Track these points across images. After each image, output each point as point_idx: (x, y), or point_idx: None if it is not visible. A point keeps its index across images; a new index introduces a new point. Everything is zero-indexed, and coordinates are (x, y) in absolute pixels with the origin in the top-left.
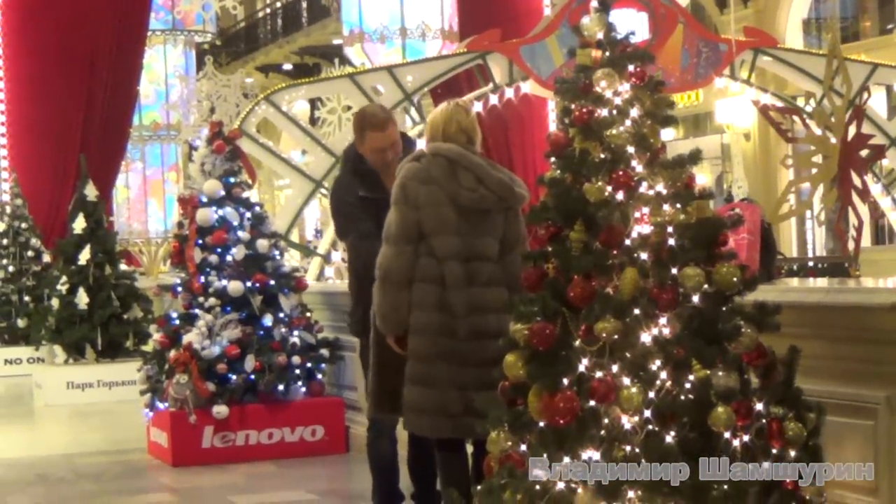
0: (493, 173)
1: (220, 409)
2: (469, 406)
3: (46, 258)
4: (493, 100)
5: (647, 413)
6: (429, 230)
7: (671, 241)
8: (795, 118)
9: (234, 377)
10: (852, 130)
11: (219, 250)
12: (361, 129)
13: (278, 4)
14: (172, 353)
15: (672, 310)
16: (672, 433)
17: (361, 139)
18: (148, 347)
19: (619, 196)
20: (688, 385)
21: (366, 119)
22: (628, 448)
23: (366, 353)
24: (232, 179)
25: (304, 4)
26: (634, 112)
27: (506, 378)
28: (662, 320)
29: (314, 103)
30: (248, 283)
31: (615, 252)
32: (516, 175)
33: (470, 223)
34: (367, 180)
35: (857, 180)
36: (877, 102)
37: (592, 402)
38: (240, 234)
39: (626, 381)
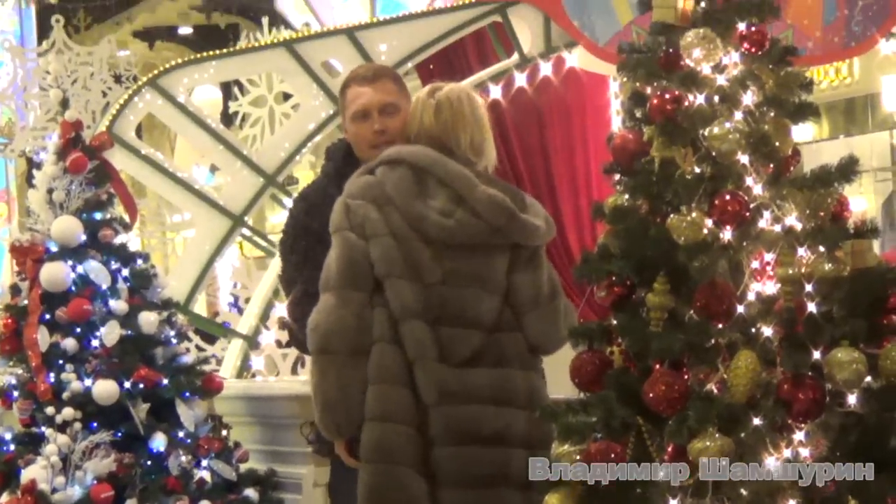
0: (480, 188)
1: None
2: None
3: None
4: (520, 80)
5: None
6: (381, 273)
7: (811, 307)
8: None
9: None
10: None
11: (78, 330)
12: (344, 87)
13: None
14: (4, 499)
15: (814, 418)
16: None
17: (343, 109)
18: None
19: (727, 234)
20: None
21: (350, 73)
22: None
23: (344, 483)
24: (98, 216)
25: None
26: (749, 98)
27: None
28: (799, 435)
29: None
30: (127, 384)
31: (721, 325)
32: (556, 199)
33: (445, 265)
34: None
35: None
36: None
37: None
38: (112, 303)
39: None
